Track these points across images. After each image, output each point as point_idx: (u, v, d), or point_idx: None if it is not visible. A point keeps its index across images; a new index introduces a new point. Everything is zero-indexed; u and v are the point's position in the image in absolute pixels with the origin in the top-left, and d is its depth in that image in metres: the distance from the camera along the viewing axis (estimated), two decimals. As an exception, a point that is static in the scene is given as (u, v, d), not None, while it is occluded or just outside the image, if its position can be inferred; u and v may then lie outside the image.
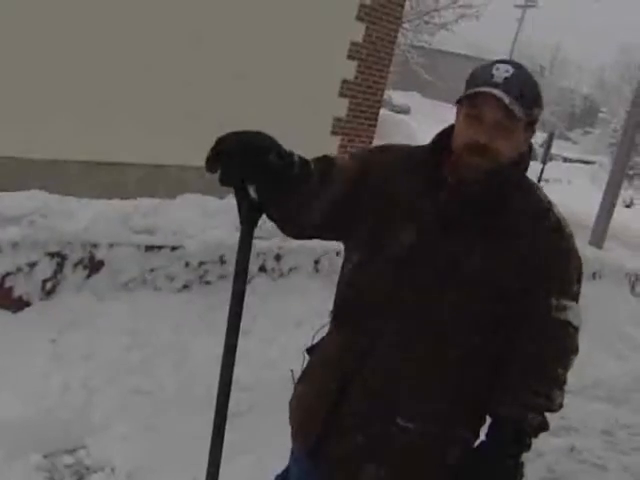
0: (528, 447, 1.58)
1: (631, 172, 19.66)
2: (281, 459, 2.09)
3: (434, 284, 1.58)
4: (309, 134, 6.32)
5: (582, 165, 29.55)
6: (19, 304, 2.99)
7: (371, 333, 1.62)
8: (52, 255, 3.03)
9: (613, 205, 11.41)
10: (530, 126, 1.67)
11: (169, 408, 3.14)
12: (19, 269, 2.94)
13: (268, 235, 3.94)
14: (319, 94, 6.46)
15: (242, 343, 3.86)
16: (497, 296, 1.56)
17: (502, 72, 1.61)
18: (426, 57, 24.72)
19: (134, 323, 3.34)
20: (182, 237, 3.52)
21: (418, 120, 27.07)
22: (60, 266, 3.07)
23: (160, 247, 3.41)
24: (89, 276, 3.20)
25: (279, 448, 2.29)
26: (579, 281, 1.67)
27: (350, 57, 6.88)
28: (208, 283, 3.69)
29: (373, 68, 7.27)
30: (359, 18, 6.82)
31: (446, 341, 1.58)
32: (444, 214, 1.61)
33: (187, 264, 3.56)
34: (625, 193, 15.26)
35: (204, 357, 3.42)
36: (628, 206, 21.26)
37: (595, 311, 6.66)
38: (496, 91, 1.57)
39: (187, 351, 3.41)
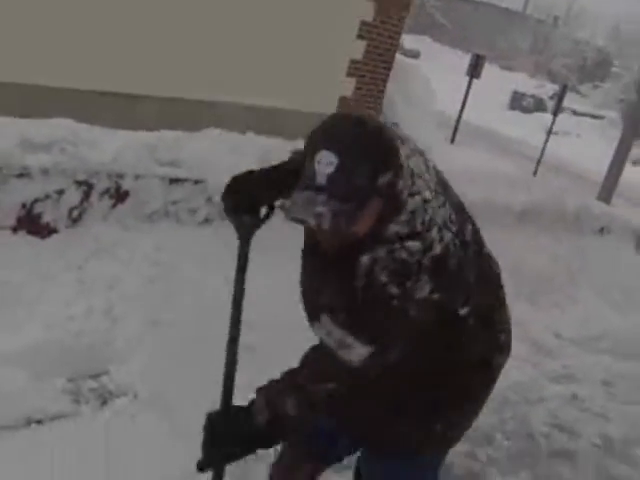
0: None
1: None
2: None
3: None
4: (325, 76, 6.30)
5: (591, 119, 29.30)
6: (47, 231, 3.02)
7: None
8: (80, 183, 3.05)
9: (623, 162, 11.40)
10: (381, 192, 1.51)
11: (190, 339, 3.21)
12: (47, 196, 2.97)
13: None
14: (336, 36, 6.41)
15: (254, 282, 3.95)
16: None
17: (324, 166, 1.45)
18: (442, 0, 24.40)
19: (157, 254, 3.38)
20: (204, 171, 3.54)
21: (427, 65, 26.78)
22: (87, 195, 3.10)
23: (184, 180, 3.43)
24: (114, 206, 3.23)
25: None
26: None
27: (369, -1, 6.80)
28: (229, 218, 3.72)
29: (392, 10, 7.18)
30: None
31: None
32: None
33: (209, 198, 3.59)
34: (633, 151, 15.19)
35: (221, 292, 3.49)
36: (635, 163, 21.18)
37: (601, 265, 6.75)
38: (312, 218, 1.44)
39: (207, 284, 3.46)
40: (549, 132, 13.12)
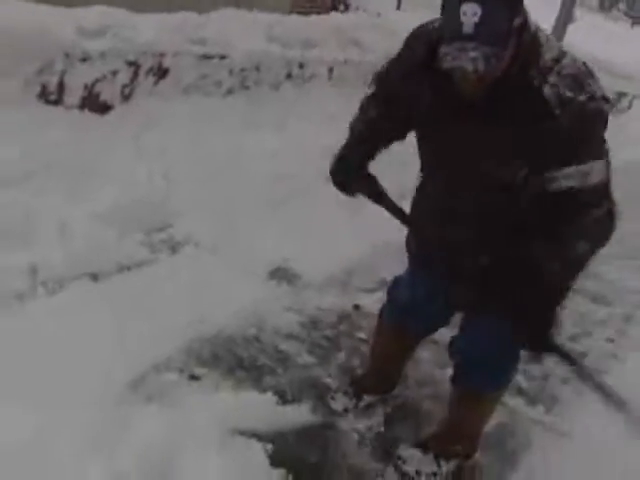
0: None
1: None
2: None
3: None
4: None
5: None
6: (105, 107, 3.45)
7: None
8: (130, 64, 3.46)
9: (566, 23, 11.74)
10: (517, 33, 1.73)
11: (234, 196, 3.73)
12: (104, 76, 3.38)
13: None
14: None
15: (277, 138, 4.50)
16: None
17: (470, 17, 1.62)
18: None
19: (193, 123, 3.85)
20: (227, 47, 3.95)
21: None
22: (136, 74, 3.51)
23: (211, 56, 3.85)
24: (157, 82, 3.65)
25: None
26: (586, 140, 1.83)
27: None
28: (247, 88, 4.18)
29: None
30: None
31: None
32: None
33: (231, 71, 4.02)
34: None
35: (252, 152, 4.00)
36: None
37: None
38: (468, 63, 1.64)
39: (239, 148, 3.96)
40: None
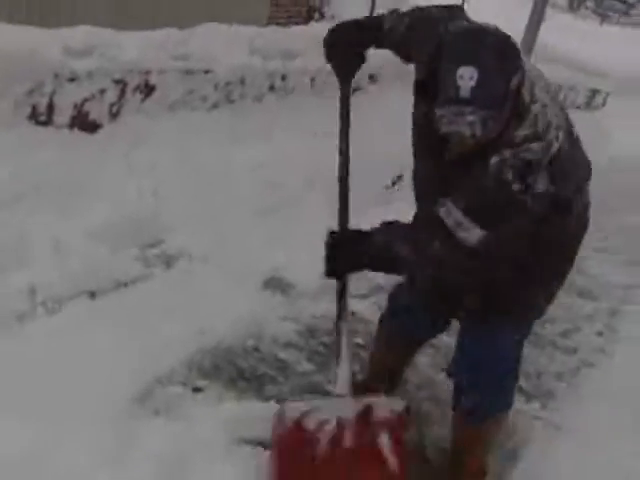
0: None
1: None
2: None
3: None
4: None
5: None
6: (94, 126, 3.48)
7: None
8: (117, 82, 3.48)
9: (539, 22, 11.85)
10: (512, 96, 1.73)
11: (224, 208, 3.77)
12: (93, 95, 3.40)
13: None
14: None
15: (263, 149, 4.54)
16: None
17: (467, 81, 1.63)
18: None
19: (181, 138, 3.88)
20: (210, 61, 3.99)
21: None
22: (123, 91, 3.54)
23: (195, 71, 3.89)
24: (144, 99, 3.68)
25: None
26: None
27: None
28: (232, 101, 4.22)
29: None
30: None
31: None
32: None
33: (215, 85, 4.06)
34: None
35: (240, 163, 4.04)
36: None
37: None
38: (466, 128, 1.67)
39: (227, 160, 3.99)
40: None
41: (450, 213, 1.82)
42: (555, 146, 1.80)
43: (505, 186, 1.77)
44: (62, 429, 2.24)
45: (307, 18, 7.57)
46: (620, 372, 3.44)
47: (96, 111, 3.45)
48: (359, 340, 3.20)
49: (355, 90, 4.90)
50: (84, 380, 2.49)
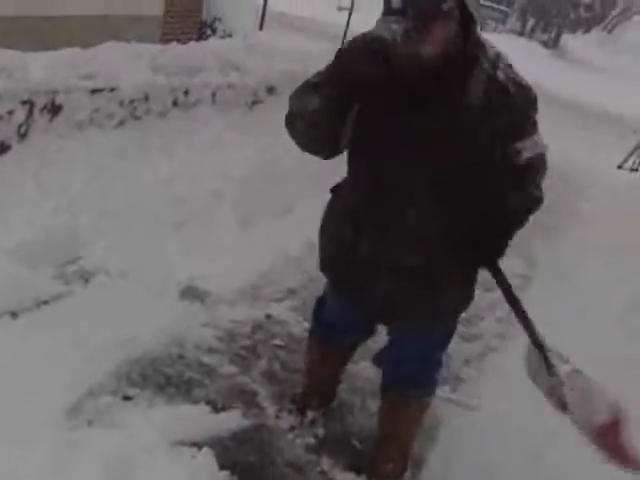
0: None
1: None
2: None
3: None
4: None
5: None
6: (3, 148, 3.50)
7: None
8: (25, 103, 3.53)
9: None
10: (447, 16, 1.86)
11: (136, 222, 3.86)
12: (1, 117, 3.44)
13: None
14: None
15: (169, 166, 4.68)
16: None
17: None
18: None
19: (90, 156, 3.95)
20: (115, 79, 4.08)
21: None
22: (31, 112, 3.58)
23: (101, 90, 3.97)
24: (51, 119, 3.73)
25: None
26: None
27: None
28: (138, 118, 4.32)
29: None
30: None
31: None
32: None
33: (121, 103, 4.15)
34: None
35: (148, 179, 4.14)
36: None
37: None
38: (388, 33, 1.76)
39: (135, 176, 4.08)
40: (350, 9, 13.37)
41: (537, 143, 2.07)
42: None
43: (523, 86, 2.03)
44: (4, 445, 2.29)
45: (200, 34, 7.67)
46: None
47: (4, 133, 3.48)
48: (277, 341, 3.37)
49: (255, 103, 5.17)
50: (14, 397, 2.54)
